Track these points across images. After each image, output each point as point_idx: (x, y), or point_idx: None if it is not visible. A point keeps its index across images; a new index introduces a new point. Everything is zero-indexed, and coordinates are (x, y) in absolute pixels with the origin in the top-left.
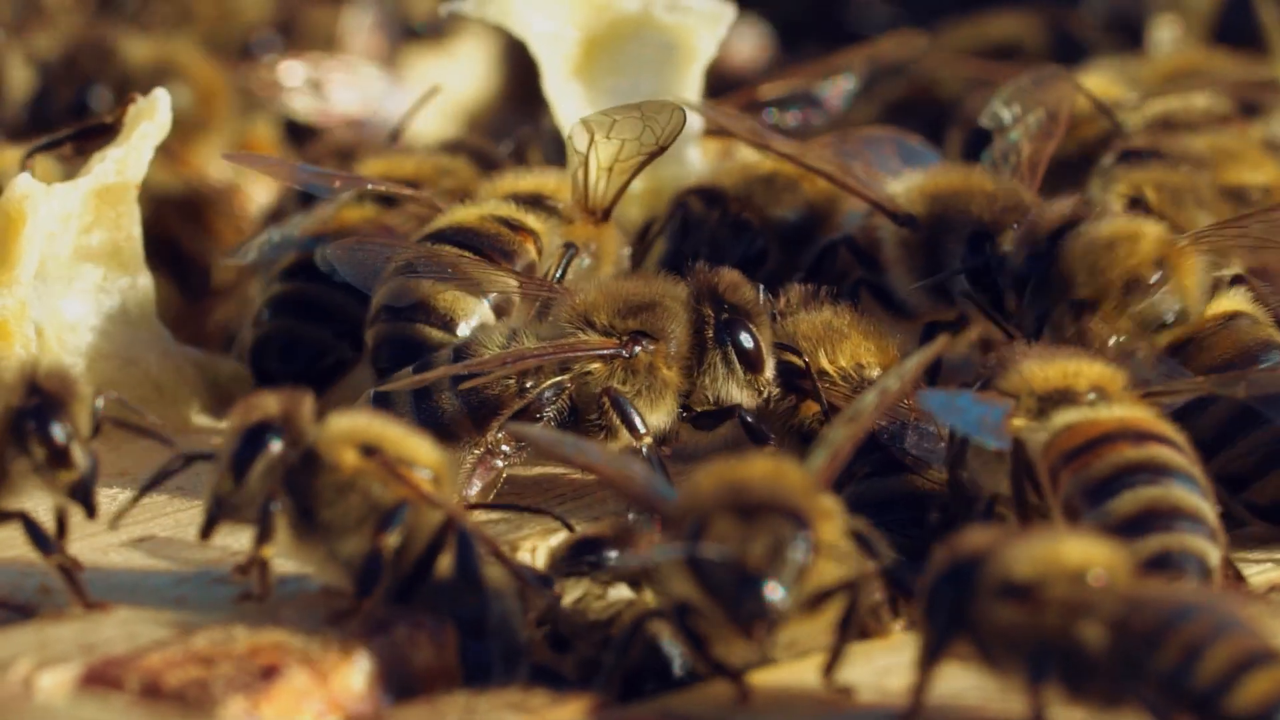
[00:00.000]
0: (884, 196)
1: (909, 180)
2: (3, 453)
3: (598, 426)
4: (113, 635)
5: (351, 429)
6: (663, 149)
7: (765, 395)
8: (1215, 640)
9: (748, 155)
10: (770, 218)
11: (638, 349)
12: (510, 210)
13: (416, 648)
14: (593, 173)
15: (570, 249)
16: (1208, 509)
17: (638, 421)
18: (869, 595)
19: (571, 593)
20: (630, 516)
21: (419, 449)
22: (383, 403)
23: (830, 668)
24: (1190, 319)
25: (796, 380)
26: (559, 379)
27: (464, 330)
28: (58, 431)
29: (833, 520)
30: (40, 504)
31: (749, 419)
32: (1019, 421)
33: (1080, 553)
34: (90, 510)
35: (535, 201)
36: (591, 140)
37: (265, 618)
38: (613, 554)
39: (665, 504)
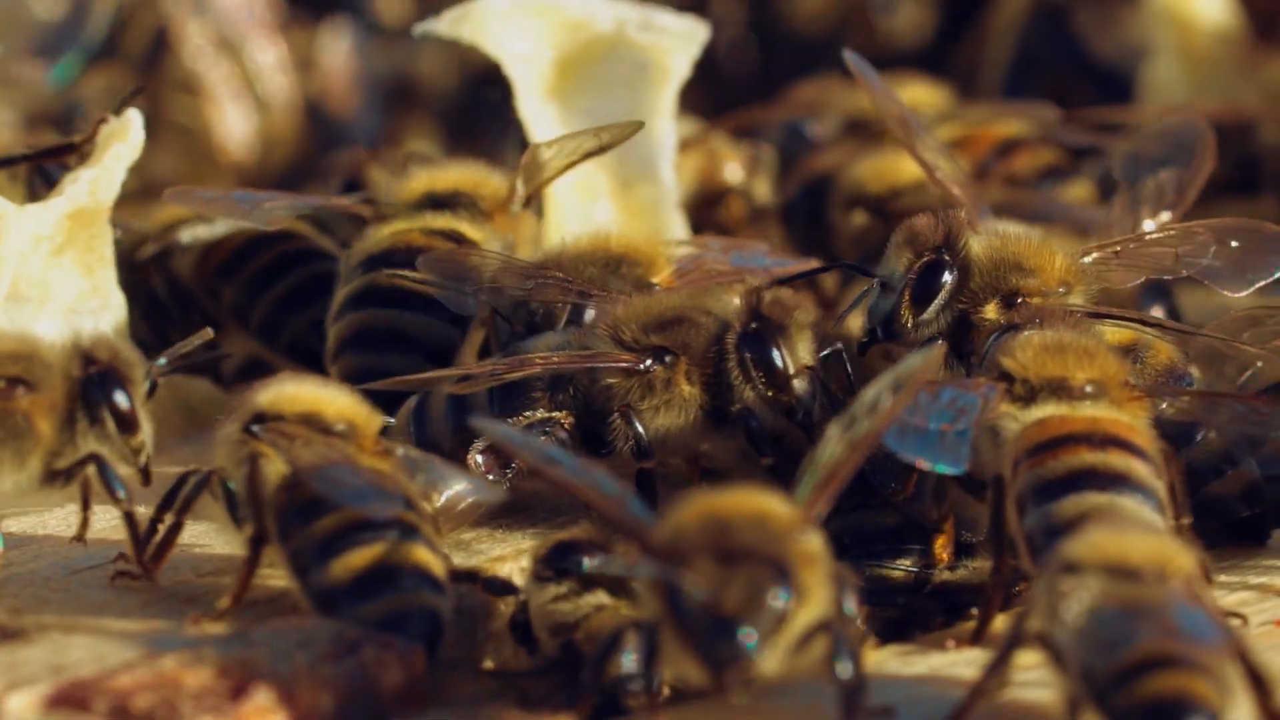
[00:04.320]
0: None
1: None
2: (73, 421)
3: (608, 444)
4: (81, 657)
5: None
6: (604, 149)
7: (798, 414)
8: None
9: (729, 177)
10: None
11: (654, 365)
12: (446, 221)
13: (385, 669)
14: (529, 161)
15: None
16: (1157, 523)
17: (646, 446)
18: (852, 635)
19: (545, 593)
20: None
21: (296, 400)
22: (422, 406)
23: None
24: None
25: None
26: (553, 414)
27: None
28: (125, 399)
29: (815, 565)
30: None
31: (754, 426)
32: (1004, 407)
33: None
34: (146, 477)
35: (460, 202)
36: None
37: (234, 639)
38: (591, 558)
39: (645, 529)
